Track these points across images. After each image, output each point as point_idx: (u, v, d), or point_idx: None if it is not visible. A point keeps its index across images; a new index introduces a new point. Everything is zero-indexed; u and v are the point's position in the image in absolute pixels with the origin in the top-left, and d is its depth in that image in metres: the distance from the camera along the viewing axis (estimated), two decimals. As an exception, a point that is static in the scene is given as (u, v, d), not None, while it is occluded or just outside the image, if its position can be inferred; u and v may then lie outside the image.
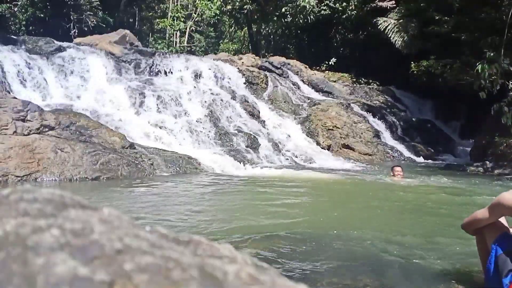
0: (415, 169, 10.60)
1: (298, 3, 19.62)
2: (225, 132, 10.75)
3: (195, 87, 11.97)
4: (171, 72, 12.42)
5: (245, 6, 21.44)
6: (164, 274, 0.43)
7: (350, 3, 19.37)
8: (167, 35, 32.60)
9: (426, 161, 12.79)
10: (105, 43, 13.12)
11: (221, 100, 11.84)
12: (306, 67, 17.23)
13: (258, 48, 24.10)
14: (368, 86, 17.91)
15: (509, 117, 9.77)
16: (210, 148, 10.04)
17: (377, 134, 13.51)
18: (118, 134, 8.43)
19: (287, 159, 10.83)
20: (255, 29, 23.53)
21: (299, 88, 15.49)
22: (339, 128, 12.98)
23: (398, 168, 8.16)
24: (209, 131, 10.57)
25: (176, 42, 31.91)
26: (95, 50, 11.84)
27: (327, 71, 18.99)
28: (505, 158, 10.25)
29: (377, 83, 18.25)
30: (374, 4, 17.93)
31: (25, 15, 22.68)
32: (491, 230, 2.47)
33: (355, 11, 19.23)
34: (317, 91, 15.79)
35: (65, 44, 11.73)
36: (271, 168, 9.56)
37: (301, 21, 20.43)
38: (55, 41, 11.52)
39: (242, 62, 15.52)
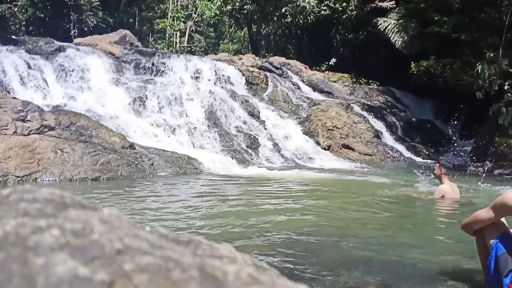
0: (415, 169, 10.59)
1: (298, 3, 19.61)
2: (225, 132, 10.75)
3: (195, 87, 11.97)
4: (171, 73, 12.42)
5: (245, 6, 21.43)
6: (164, 274, 0.43)
7: (350, 3, 19.35)
8: (167, 35, 32.60)
9: (426, 161, 12.78)
10: (105, 43, 13.11)
11: (221, 100, 11.83)
12: (306, 67, 17.22)
13: (258, 48, 24.09)
14: (368, 86, 17.90)
15: (507, 118, 9.76)
16: (210, 148, 10.04)
17: (377, 134, 13.50)
18: (118, 134, 8.43)
19: (287, 159, 10.83)
20: (255, 29, 23.52)
21: (299, 88, 15.49)
22: (339, 128, 12.98)
23: (444, 170, 5.84)
24: (209, 131, 10.57)
25: (176, 42, 31.92)
26: (95, 51, 11.83)
27: (327, 71, 18.98)
28: (505, 158, 10.24)
29: (377, 83, 18.24)
30: (374, 4, 17.92)
31: (25, 15, 22.71)
32: (491, 230, 2.47)
33: (355, 11, 19.21)
34: (317, 91, 15.79)
35: (65, 44, 11.71)
36: (271, 168, 9.56)
37: (301, 21, 20.42)
38: (55, 41, 11.51)
39: (242, 62, 15.53)
